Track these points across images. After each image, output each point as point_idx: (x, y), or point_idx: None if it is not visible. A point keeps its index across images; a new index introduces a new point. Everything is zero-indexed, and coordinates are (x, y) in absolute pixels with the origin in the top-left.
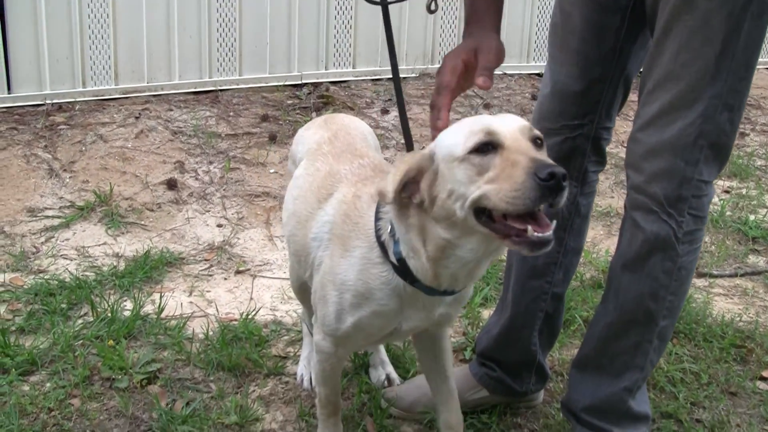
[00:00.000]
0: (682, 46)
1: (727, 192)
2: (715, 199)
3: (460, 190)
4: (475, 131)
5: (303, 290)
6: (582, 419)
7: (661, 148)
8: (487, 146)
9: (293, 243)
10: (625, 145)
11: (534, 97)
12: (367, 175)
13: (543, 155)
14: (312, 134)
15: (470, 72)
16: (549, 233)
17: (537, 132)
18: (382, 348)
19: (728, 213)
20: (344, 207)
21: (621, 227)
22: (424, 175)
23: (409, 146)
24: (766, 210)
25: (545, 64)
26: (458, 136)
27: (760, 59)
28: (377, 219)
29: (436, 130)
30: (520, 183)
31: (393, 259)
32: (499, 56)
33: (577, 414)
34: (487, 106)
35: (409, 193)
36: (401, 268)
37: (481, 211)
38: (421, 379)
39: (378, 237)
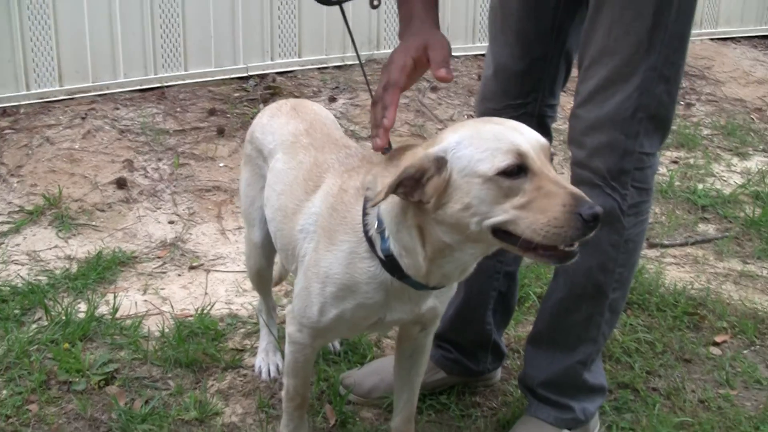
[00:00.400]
0: (614, 21)
1: (675, 162)
2: (664, 170)
3: (481, 208)
4: (503, 150)
5: (260, 279)
6: (539, 394)
7: (600, 122)
8: (518, 170)
9: (280, 237)
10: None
11: (480, 78)
12: (355, 166)
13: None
14: (283, 124)
15: (418, 70)
16: (576, 246)
17: (551, 150)
18: None
19: (677, 183)
20: (331, 200)
21: None
22: (427, 176)
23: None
24: (713, 179)
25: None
26: (481, 150)
27: (702, 30)
28: (364, 214)
29: (379, 127)
30: (563, 220)
31: (381, 254)
32: (449, 51)
33: (533, 389)
34: (434, 89)
35: (404, 191)
36: (389, 264)
37: (500, 229)
38: (377, 363)
39: (365, 232)
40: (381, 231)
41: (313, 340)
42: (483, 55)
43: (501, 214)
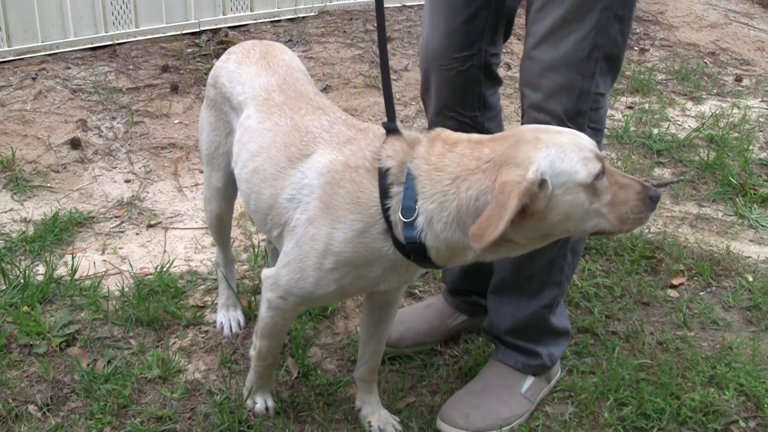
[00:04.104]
0: None
1: (630, 108)
2: (619, 115)
3: (580, 213)
4: (589, 156)
5: (221, 225)
6: (506, 341)
7: (557, 64)
8: (603, 171)
9: (255, 199)
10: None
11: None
12: (347, 136)
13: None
14: (254, 75)
15: None
16: None
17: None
18: None
19: (632, 128)
20: (335, 176)
21: None
22: (531, 199)
23: (390, 116)
24: (668, 123)
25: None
26: (574, 161)
27: None
28: (386, 196)
29: None
30: (642, 207)
31: (401, 238)
32: None
33: (500, 337)
34: (388, 39)
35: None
36: (410, 249)
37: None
38: (399, 313)
39: (385, 214)
40: (411, 219)
41: (297, 307)
42: None
43: (595, 216)
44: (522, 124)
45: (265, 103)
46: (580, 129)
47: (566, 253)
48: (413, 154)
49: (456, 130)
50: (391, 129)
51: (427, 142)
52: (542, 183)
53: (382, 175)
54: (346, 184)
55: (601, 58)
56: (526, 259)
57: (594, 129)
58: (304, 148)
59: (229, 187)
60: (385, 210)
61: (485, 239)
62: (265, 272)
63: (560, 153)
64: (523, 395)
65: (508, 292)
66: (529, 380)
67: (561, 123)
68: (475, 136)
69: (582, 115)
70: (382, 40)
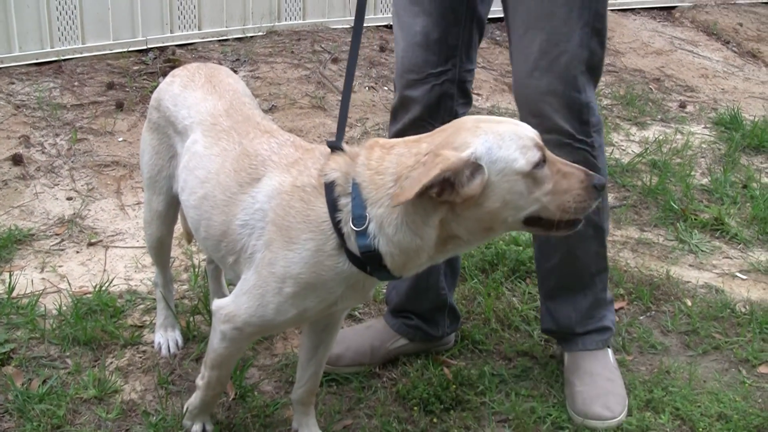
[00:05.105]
0: None
1: None
2: None
3: (519, 201)
4: (529, 146)
5: (161, 248)
6: (579, 332)
7: (553, 86)
8: (543, 160)
9: (206, 226)
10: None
11: (382, 49)
12: (295, 157)
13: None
14: (200, 99)
15: None
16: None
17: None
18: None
19: None
20: (285, 197)
21: None
22: (460, 179)
23: (339, 135)
24: (612, 148)
25: (393, 18)
26: (512, 149)
27: None
28: (335, 210)
29: None
30: (585, 195)
31: (355, 250)
32: None
33: (573, 331)
34: (335, 61)
35: (436, 191)
36: (365, 259)
37: (529, 219)
38: (341, 333)
39: (337, 228)
40: (363, 227)
41: (252, 336)
42: (384, 26)
43: (534, 204)
44: None
45: (213, 128)
46: (588, 136)
47: (605, 240)
48: (355, 165)
49: None
50: (334, 147)
51: (366, 150)
52: (478, 168)
53: (329, 188)
54: (295, 203)
55: (586, 70)
56: (572, 263)
57: (597, 130)
58: (253, 172)
59: (170, 211)
60: (336, 224)
61: (401, 198)
62: (218, 303)
63: (498, 140)
64: (614, 366)
65: (564, 293)
66: (609, 351)
67: (571, 137)
68: (411, 137)
69: (586, 124)
70: (353, 60)
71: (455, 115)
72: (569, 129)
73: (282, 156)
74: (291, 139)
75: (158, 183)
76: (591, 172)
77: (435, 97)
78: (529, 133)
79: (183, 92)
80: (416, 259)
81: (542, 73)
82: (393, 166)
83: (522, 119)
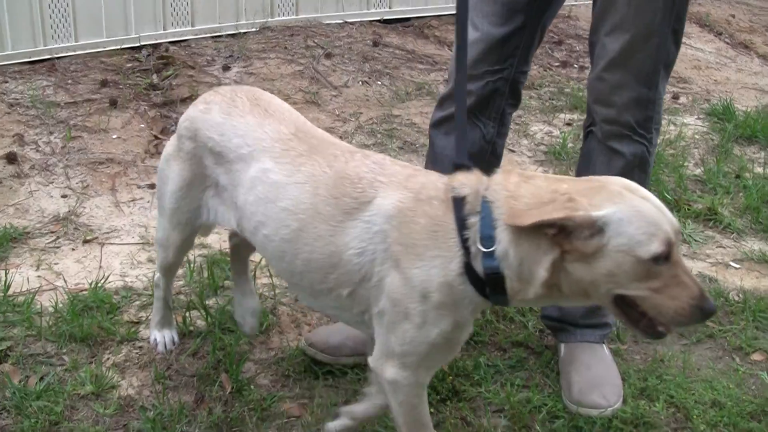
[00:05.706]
0: None
1: (568, 125)
2: (557, 132)
3: (620, 280)
4: (660, 238)
5: (171, 271)
6: (581, 324)
7: (626, 81)
8: (666, 257)
9: (307, 261)
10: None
11: (375, 44)
12: (406, 174)
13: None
14: (254, 125)
15: None
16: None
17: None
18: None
19: (570, 145)
20: (408, 213)
21: (589, 156)
22: (579, 234)
23: (461, 151)
24: None
25: (388, 9)
26: (641, 233)
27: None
28: (463, 227)
29: None
30: (689, 312)
31: (480, 270)
32: None
33: (575, 323)
34: (328, 56)
35: (553, 232)
36: (488, 282)
37: (621, 299)
38: (340, 323)
39: (465, 246)
40: (492, 249)
41: (417, 376)
42: (378, 21)
43: (635, 292)
44: (588, 137)
45: (286, 153)
46: (649, 132)
47: None
48: (488, 183)
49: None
50: (461, 165)
51: (503, 173)
52: (600, 232)
53: (458, 204)
54: (420, 218)
55: (662, 68)
56: None
57: (657, 128)
58: (360, 196)
59: (188, 240)
60: (464, 241)
61: (516, 219)
62: (372, 359)
63: (633, 217)
64: (610, 359)
65: None
66: (605, 346)
67: (632, 131)
68: (553, 175)
69: (649, 120)
70: (462, 62)
71: (502, 114)
72: (632, 122)
73: (389, 175)
74: (382, 156)
75: (181, 216)
76: (707, 296)
77: (487, 93)
78: (665, 226)
79: (229, 120)
80: (523, 294)
81: (618, 69)
82: (529, 195)
83: (588, 105)
